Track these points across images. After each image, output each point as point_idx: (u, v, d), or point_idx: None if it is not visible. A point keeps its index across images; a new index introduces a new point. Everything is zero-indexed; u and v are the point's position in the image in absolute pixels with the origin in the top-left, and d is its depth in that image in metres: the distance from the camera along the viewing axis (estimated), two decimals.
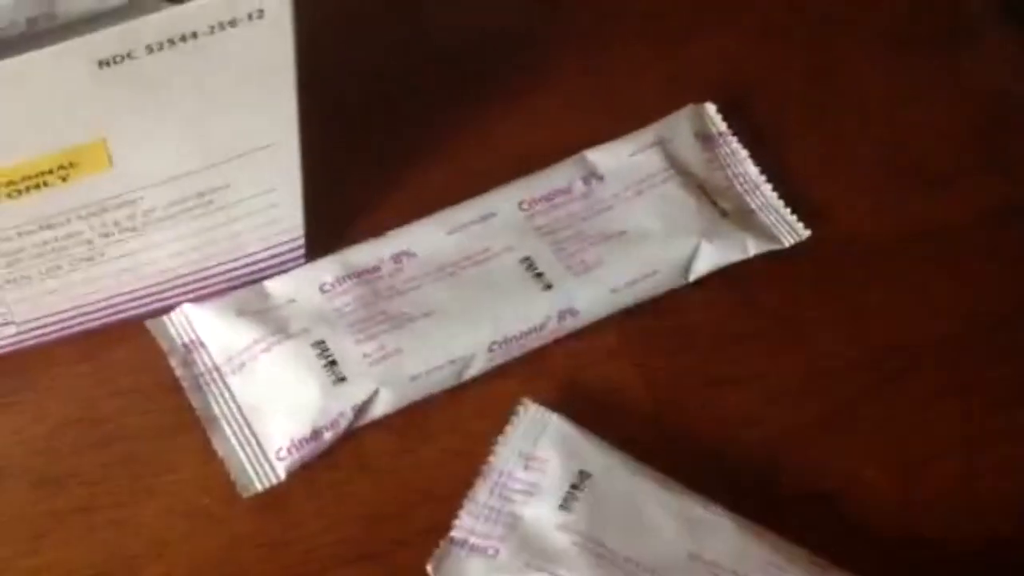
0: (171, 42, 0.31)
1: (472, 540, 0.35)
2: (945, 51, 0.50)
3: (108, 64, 0.30)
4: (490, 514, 0.36)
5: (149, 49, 0.30)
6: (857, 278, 0.43)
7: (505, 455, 0.37)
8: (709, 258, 0.42)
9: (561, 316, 0.40)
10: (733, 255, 0.42)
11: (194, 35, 0.31)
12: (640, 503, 0.36)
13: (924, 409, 0.41)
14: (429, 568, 0.35)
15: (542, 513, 0.36)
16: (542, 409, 0.37)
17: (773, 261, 0.43)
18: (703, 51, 0.49)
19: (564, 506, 0.36)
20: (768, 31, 0.50)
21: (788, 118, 0.47)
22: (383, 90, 0.46)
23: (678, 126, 0.45)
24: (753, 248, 0.42)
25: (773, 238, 0.43)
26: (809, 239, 0.43)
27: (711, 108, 0.46)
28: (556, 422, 0.37)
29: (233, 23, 0.31)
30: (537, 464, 0.36)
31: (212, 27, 0.31)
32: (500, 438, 0.37)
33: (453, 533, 0.36)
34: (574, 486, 0.36)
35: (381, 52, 0.47)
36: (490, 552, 0.35)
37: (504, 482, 0.36)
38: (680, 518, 0.36)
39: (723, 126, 0.46)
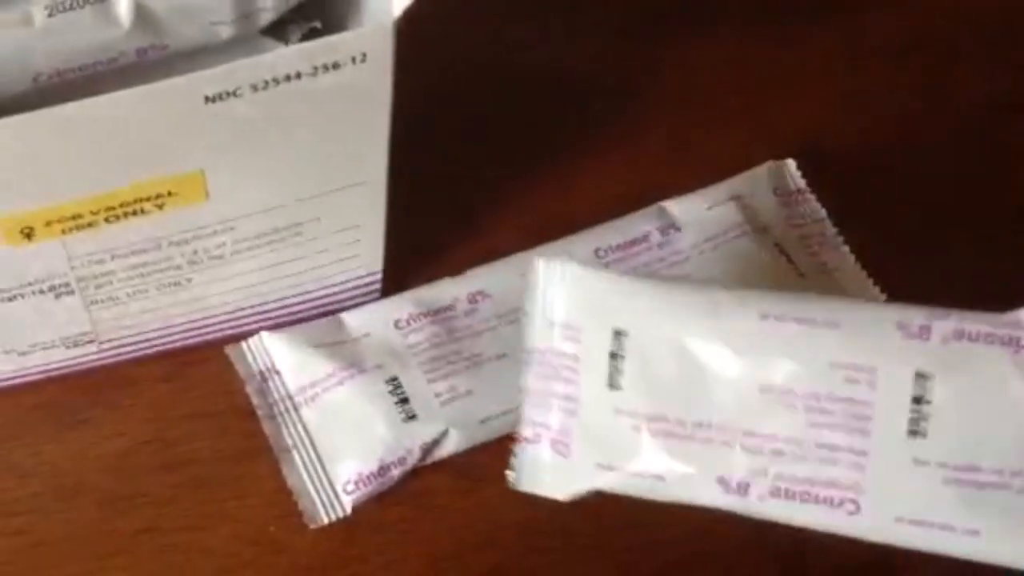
0: (275, 81, 0.31)
1: (543, 435, 0.31)
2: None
3: (214, 100, 0.30)
4: (549, 401, 0.31)
5: (254, 88, 0.31)
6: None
7: (538, 326, 0.31)
8: None
9: None
10: None
11: (298, 76, 0.31)
12: (687, 344, 0.30)
13: None
14: (509, 476, 0.32)
15: (596, 395, 0.31)
16: (555, 262, 0.32)
17: None
18: (785, 108, 0.49)
19: (612, 384, 0.31)
20: (851, 91, 0.50)
21: (868, 180, 0.47)
22: (465, 130, 0.47)
23: (757, 182, 0.45)
24: None
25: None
26: (883, 302, 0.43)
27: (791, 165, 0.46)
28: (574, 271, 0.32)
29: (336, 65, 0.32)
30: (571, 332, 0.31)
31: (316, 69, 0.31)
32: (527, 308, 0.32)
33: (524, 432, 0.32)
34: (613, 354, 0.31)
35: (465, 92, 0.48)
36: (561, 450, 0.31)
37: (548, 360, 0.31)
38: (731, 337, 0.30)
39: (802, 183, 0.46)
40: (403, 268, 0.42)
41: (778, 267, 0.42)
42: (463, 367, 0.39)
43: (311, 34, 0.36)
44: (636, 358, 0.31)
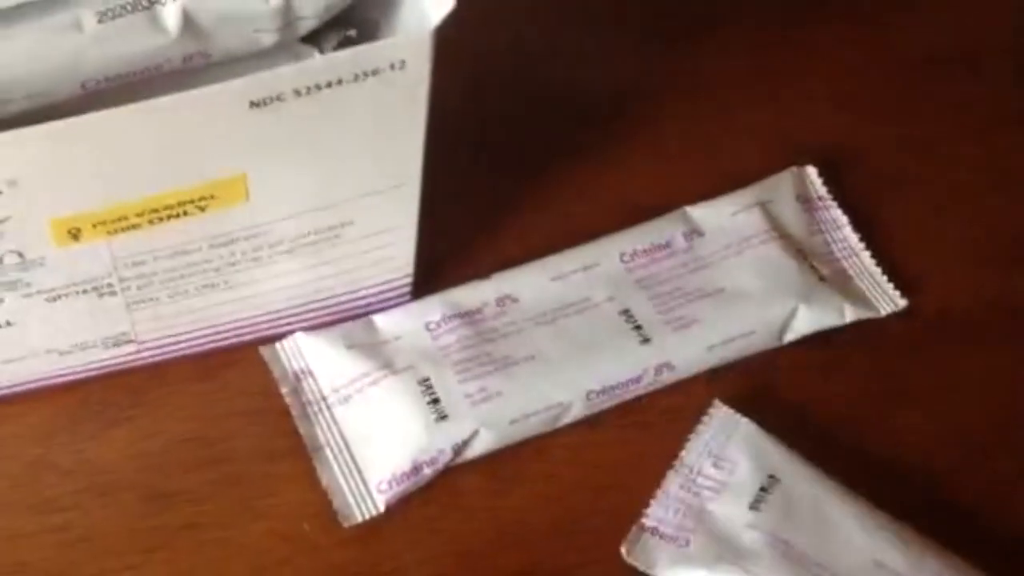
0: (318, 87, 0.32)
1: (663, 529, 0.37)
2: None
3: (258, 105, 0.31)
4: (680, 506, 0.38)
5: (297, 93, 0.32)
6: (949, 352, 0.44)
7: (696, 452, 0.39)
8: (805, 321, 0.42)
9: (658, 370, 0.41)
10: (829, 320, 0.43)
11: (339, 82, 0.32)
12: (826, 510, 0.38)
13: (1013, 490, 0.41)
14: (623, 550, 0.37)
15: (732, 511, 0.38)
16: (732, 412, 0.40)
17: (867, 328, 0.43)
18: (807, 114, 0.49)
19: (754, 506, 0.38)
20: (873, 100, 0.50)
21: (888, 186, 0.48)
22: (494, 135, 0.47)
23: (780, 188, 0.46)
24: (850, 314, 0.43)
25: (870, 306, 0.43)
26: (904, 309, 0.44)
27: (812, 172, 0.47)
28: (745, 426, 0.39)
29: (376, 72, 0.32)
30: (727, 464, 0.39)
31: (356, 75, 0.32)
32: (692, 436, 0.39)
33: (644, 521, 0.38)
34: (763, 488, 0.38)
35: (493, 99, 0.48)
36: (681, 542, 0.37)
37: (694, 478, 0.38)
38: (865, 526, 0.37)
39: (823, 190, 0.46)
40: (433, 270, 0.42)
41: (800, 272, 0.43)
42: (493, 368, 0.39)
43: (346, 41, 0.36)
44: (781, 497, 0.38)
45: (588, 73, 0.50)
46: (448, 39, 0.33)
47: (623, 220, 0.45)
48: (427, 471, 0.38)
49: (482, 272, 0.43)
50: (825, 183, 0.47)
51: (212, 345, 0.40)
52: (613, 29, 0.52)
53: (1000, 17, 0.54)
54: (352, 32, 0.36)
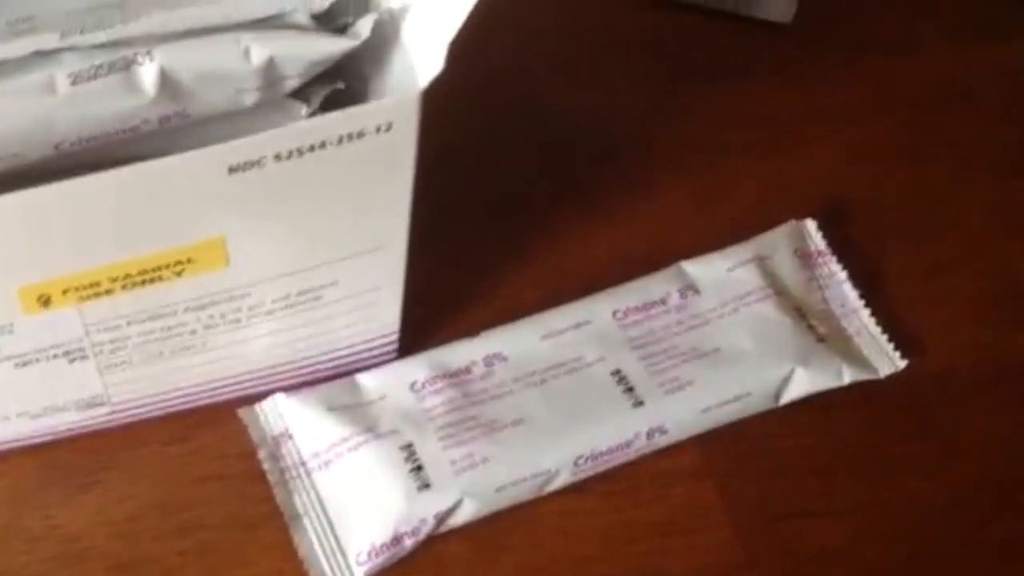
0: (299, 151, 0.31)
1: None
2: None
3: (237, 170, 0.30)
4: None
5: (278, 157, 0.30)
6: (951, 415, 0.42)
7: None
8: (802, 384, 0.41)
9: (650, 435, 0.39)
10: (827, 382, 0.41)
11: (322, 145, 0.31)
12: None
13: (1017, 558, 0.40)
14: None
15: None
16: None
17: (866, 389, 0.42)
18: (805, 165, 0.48)
19: None
20: (873, 150, 0.49)
21: (889, 239, 0.47)
22: (483, 186, 0.46)
23: (778, 243, 0.44)
24: (848, 376, 0.42)
25: (869, 367, 0.42)
26: (903, 369, 0.43)
27: (811, 225, 0.46)
28: None
29: (361, 135, 0.31)
30: None
31: (340, 138, 0.31)
32: None
33: None
34: None
35: (481, 150, 0.47)
36: None
37: None
38: None
39: (822, 244, 0.45)
40: (420, 325, 0.41)
41: (798, 332, 0.42)
42: (479, 433, 0.38)
43: (334, 95, 0.35)
44: None
45: (580, 122, 0.49)
46: (433, 92, 0.32)
47: (617, 273, 0.43)
48: (408, 542, 0.37)
49: (471, 328, 0.42)
50: (825, 236, 0.45)
51: (188, 406, 0.38)
52: (606, 77, 0.50)
53: (1003, 61, 0.53)
54: (340, 85, 0.35)
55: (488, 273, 0.44)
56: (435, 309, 0.42)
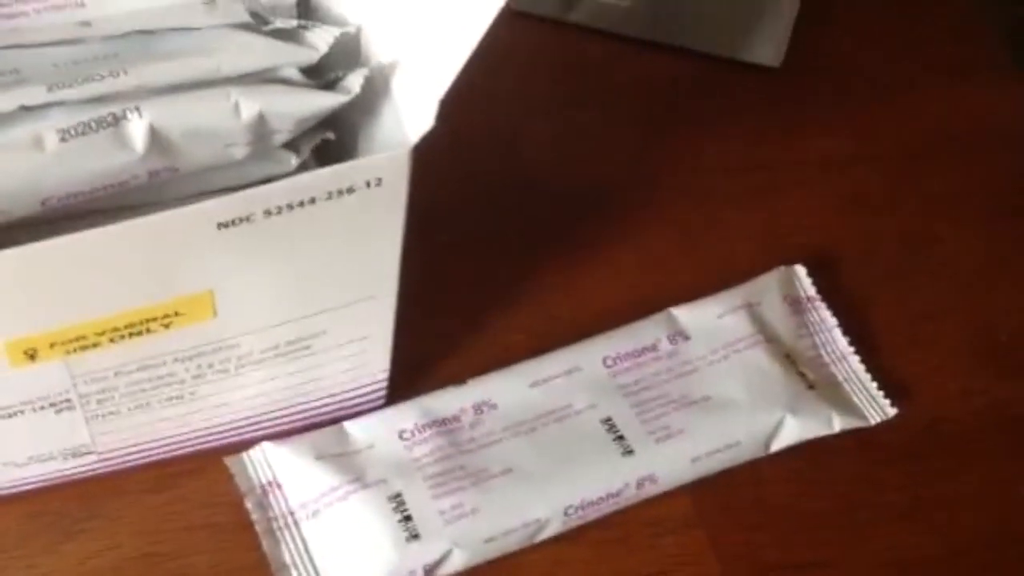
0: (289, 207, 0.30)
1: None
2: None
3: (227, 226, 0.30)
4: None
5: (267, 213, 0.30)
6: (941, 464, 0.42)
7: None
8: (792, 432, 0.41)
9: (640, 483, 0.39)
10: (817, 430, 0.41)
11: (312, 201, 0.31)
12: None
13: None
14: None
15: None
16: None
17: (856, 437, 0.42)
18: (794, 211, 0.48)
19: None
20: (861, 195, 0.49)
21: (878, 285, 0.47)
22: (473, 231, 0.46)
23: (768, 289, 0.44)
24: (838, 425, 0.42)
25: (859, 415, 0.42)
26: (893, 417, 0.43)
27: (801, 271, 0.46)
28: None
29: (351, 190, 0.31)
30: None
31: (330, 193, 0.31)
32: None
33: None
34: None
35: (473, 196, 0.47)
36: None
37: None
38: None
39: (812, 290, 0.45)
40: (409, 372, 0.41)
41: (788, 379, 0.42)
42: (469, 483, 0.38)
43: (324, 145, 0.35)
44: None
45: (568, 169, 0.49)
46: (423, 144, 0.32)
47: (606, 319, 0.43)
48: None
49: (460, 374, 0.41)
50: (814, 282, 0.45)
51: (175, 454, 0.38)
52: (593, 123, 0.50)
53: (990, 105, 0.53)
54: (331, 136, 0.35)
55: (477, 320, 0.44)
56: (424, 355, 0.42)
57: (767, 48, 0.52)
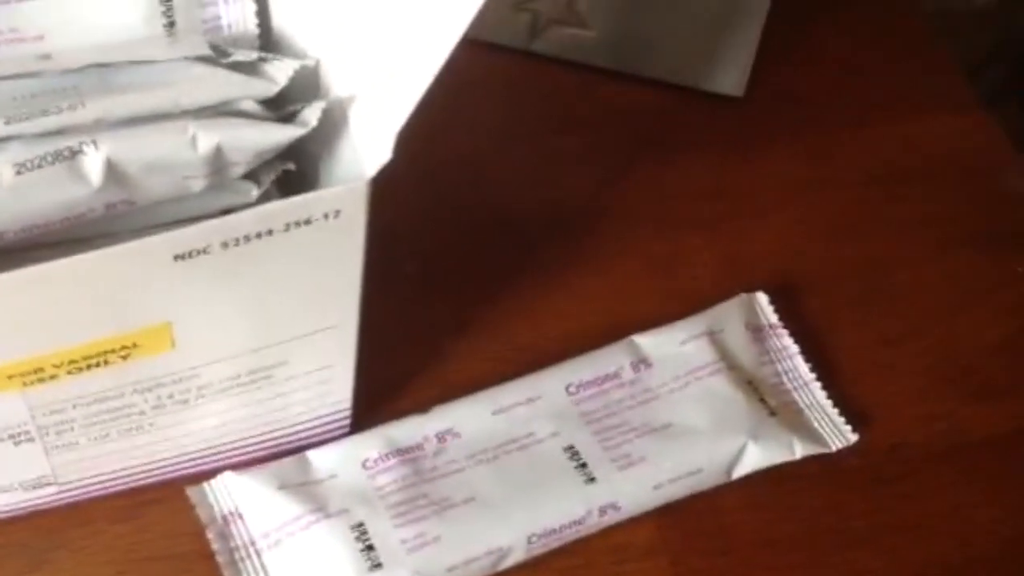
0: (247, 239, 0.31)
1: None
2: (1007, 255, 0.49)
3: (183, 258, 0.30)
4: None
5: (224, 245, 0.30)
6: (902, 489, 0.43)
7: None
8: (754, 459, 0.41)
9: (602, 511, 0.39)
10: (779, 456, 0.42)
11: (269, 232, 0.31)
12: None
13: None
14: None
15: None
16: None
17: (818, 463, 0.42)
18: (756, 238, 0.49)
19: None
20: (823, 223, 0.50)
21: (839, 312, 0.47)
22: (435, 259, 0.46)
23: (729, 316, 0.45)
24: (800, 451, 0.42)
25: (820, 441, 0.42)
26: (855, 443, 0.43)
27: (763, 298, 0.46)
28: None
29: (308, 221, 0.31)
30: None
31: (288, 225, 0.31)
32: None
33: None
34: None
35: (433, 222, 0.47)
36: None
37: None
38: None
39: (774, 318, 0.46)
40: (372, 399, 0.41)
41: (750, 406, 0.42)
42: (431, 512, 0.38)
43: (285, 174, 0.35)
44: None
45: (531, 196, 0.49)
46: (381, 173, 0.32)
47: (569, 345, 0.44)
48: None
49: (423, 401, 0.42)
50: (776, 309, 0.46)
51: (137, 484, 0.38)
52: (556, 151, 0.51)
53: (952, 134, 0.53)
54: (291, 166, 0.35)
55: (440, 347, 0.44)
56: (388, 383, 0.42)
57: (730, 77, 0.52)
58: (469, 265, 0.47)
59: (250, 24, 0.37)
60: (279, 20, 0.38)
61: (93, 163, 0.30)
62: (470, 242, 0.47)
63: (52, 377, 0.32)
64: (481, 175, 0.49)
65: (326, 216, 0.31)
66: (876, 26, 0.56)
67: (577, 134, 0.51)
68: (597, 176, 0.50)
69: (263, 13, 0.38)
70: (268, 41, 0.38)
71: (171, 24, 0.37)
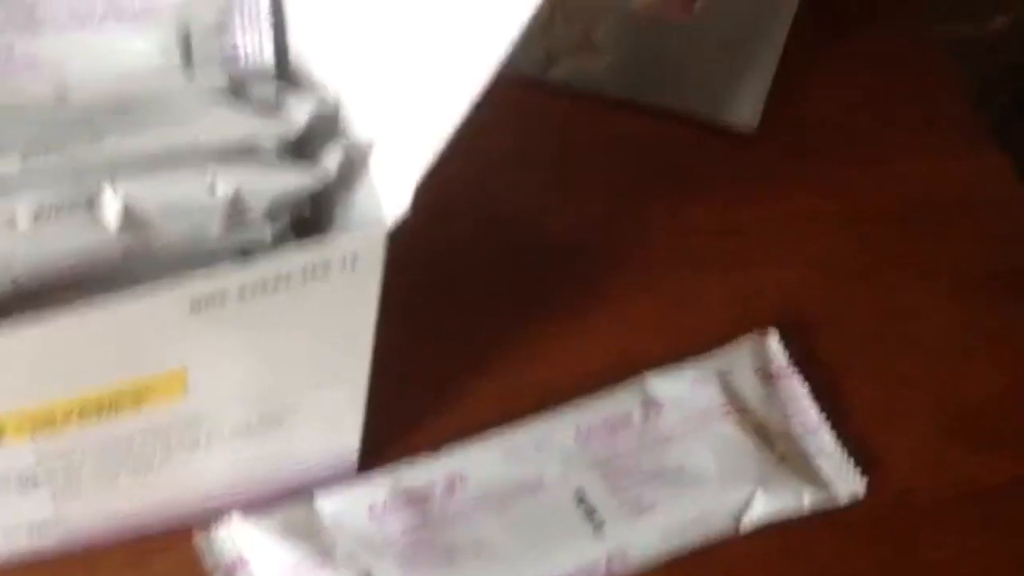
0: (263, 285, 0.30)
1: None
2: (1019, 300, 0.49)
3: (200, 307, 0.29)
4: None
5: (241, 291, 0.30)
6: (911, 539, 0.42)
7: None
8: (763, 507, 0.41)
9: (610, 560, 0.39)
10: (787, 504, 0.41)
11: (286, 278, 0.30)
12: None
13: None
14: None
15: None
16: None
17: (827, 511, 0.42)
18: (767, 278, 0.48)
19: None
20: (836, 261, 0.49)
21: (850, 354, 0.47)
22: (442, 300, 0.46)
23: (740, 358, 0.44)
24: (808, 499, 0.41)
25: (829, 489, 0.42)
26: (864, 491, 0.43)
27: (774, 339, 0.46)
28: None
29: (326, 268, 0.31)
30: None
31: (305, 271, 0.31)
32: None
33: None
34: None
35: (445, 260, 0.47)
36: None
37: None
38: None
39: (784, 360, 0.45)
40: (380, 438, 0.40)
41: (759, 453, 0.42)
42: (438, 559, 0.37)
43: (300, 222, 0.35)
44: None
45: (542, 232, 0.48)
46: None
47: (579, 384, 0.43)
48: None
49: (432, 441, 0.41)
50: (786, 350, 0.45)
51: (143, 527, 0.37)
52: (568, 185, 0.50)
53: (966, 173, 0.53)
54: (306, 213, 0.35)
55: (449, 385, 0.43)
56: (397, 422, 0.42)
57: (744, 110, 0.52)
58: (478, 301, 0.46)
59: (267, 53, 0.37)
60: (297, 49, 0.37)
61: (111, 209, 0.29)
62: (479, 277, 0.47)
63: (62, 424, 0.31)
64: (490, 208, 0.49)
65: (343, 262, 0.31)
66: (892, 57, 0.56)
67: (590, 165, 0.51)
68: (610, 208, 0.50)
69: (281, 41, 0.37)
70: (286, 71, 0.38)
71: (188, 54, 0.36)
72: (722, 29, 0.50)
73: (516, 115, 0.52)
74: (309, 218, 0.35)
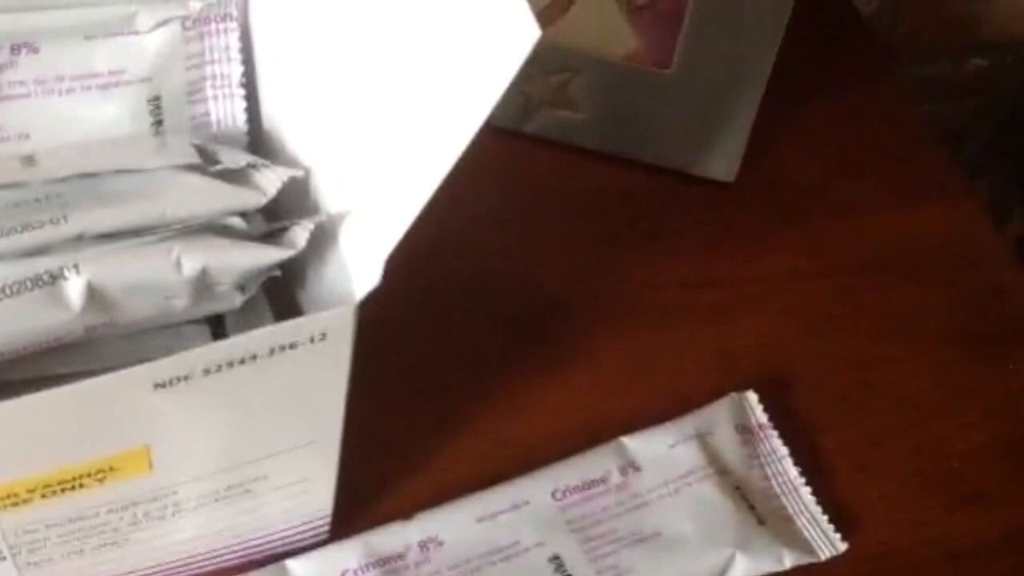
0: (229, 364, 0.30)
1: None
2: (998, 352, 0.49)
3: (164, 385, 0.29)
4: None
5: (206, 371, 0.29)
6: None
7: None
8: (743, 570, 0.40)
9: None
10: (767, 567, 0.41)
11: (253, 357, 0.30)
12: None
13: None
14: None
15: None
16: None
17: (807, 572, 0.42)
18: (745, 330, 0.48)
19: None
20: (812, 315, 0.49)
21: (828, 409, 0.46)
22: (413, 360, 0.45)
23: (719, 418, 0.44)
24: (788, 561, 0.41)
25: (809, 550, 0.42)
26: (843, 552, 0.42)
27: (752, 398, 0.45)
28: None
29: (293, 346, 0.30)
30: None
31: (272, 350, 0.30)
32: None
33: None
34: None
35: (412, 322, 0.46)
36: None
37: None
38: None
39: (764, 418, 0.45)
40: (353, 502, 0.40)
41: (738, 515, 0.41)
42: None
43: (271, 282, 0.34)
44: None
45: (516, 286, 0.48)
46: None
47: (555, 444, 0.43)
48: None
49: (407, 503, 0.41)
50: (765, 407, 0.45)
51: None
52: (543, 238, 0.50)
53: (943, 224, 0.53)
54: (276, 273, 0.34)
55: (423, 447, 0.43)
56: (369, 485, 0.41)
57: (721, 163, 0.52)
58: (452, 358, 0.46)
59: (239, 122, 0.37)
60: (270, 116, 0.37)
61: (74, 288, 0.29)
62: (453, 332, 0.46)
63: (26, 501, 0.31)
64: (463, 261, 0.49)
65: (312, 340, 0.30)
66: (869, 111, 0.56)
67: (566, 218, 0.51)
68: (586, 262, 0.50)
69: (253, 111, 0.37)
70: (258, 140, 0.37)
71: (159, 122, 0.36)
72: (699, 82, 0.50)
73: (491, 167, 0.52)
74: (280, 278, 0.35)
